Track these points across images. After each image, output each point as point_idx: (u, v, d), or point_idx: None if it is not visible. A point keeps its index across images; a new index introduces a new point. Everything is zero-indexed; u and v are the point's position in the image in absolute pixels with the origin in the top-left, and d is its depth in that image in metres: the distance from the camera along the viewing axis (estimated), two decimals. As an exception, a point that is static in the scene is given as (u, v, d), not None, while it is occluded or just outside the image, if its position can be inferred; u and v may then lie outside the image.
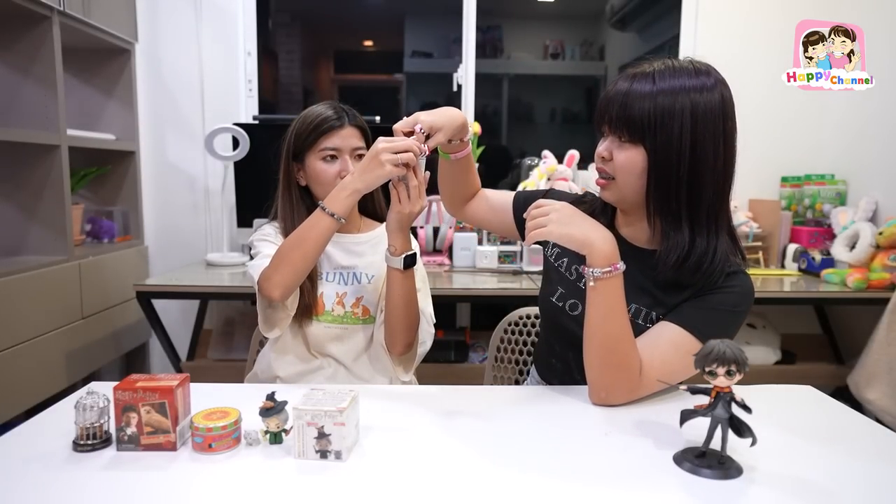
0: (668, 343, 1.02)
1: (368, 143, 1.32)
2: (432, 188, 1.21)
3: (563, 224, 0.99)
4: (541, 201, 1.04)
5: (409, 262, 1.19)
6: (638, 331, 1.05)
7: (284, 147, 1.32)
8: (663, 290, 1.06)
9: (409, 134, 1.08)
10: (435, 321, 1.35)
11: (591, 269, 0.98)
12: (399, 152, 1.06)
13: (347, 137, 1.29)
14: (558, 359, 1.21)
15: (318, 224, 1.15)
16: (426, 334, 1.30)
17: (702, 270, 1.01)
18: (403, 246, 1.18)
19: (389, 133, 1.09)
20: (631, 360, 1.00)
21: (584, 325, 1.03)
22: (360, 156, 1.29)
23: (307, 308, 1.29)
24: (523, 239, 1.26)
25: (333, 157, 1.28)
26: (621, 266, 0.99)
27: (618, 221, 1.14)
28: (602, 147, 1.05)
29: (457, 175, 1.25)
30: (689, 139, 0.96)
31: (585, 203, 1.19)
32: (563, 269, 1.18)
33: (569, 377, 1.18)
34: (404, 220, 1.16)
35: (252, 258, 1.30)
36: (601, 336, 1.00)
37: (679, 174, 0.98)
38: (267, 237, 1.32)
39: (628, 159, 1.00)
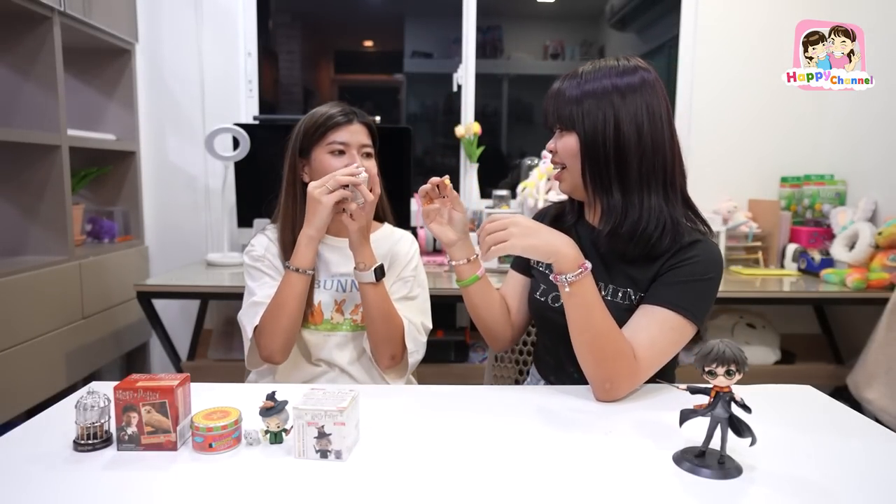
0: (652, 322, 1.05)
1: (376, 142, 1.33)
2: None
3: (525, 236, 1.01)
4: (495, 216, 1.05)
5: (380, 273, 1.22)
6: (619, 309, 1.09)
7: (291, 144, 1.32)
8: (631, 265, 1.11)
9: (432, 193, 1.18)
10: (430, 328, 1.34)
11: (563, 276, 1.01)
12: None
13: (356, 133, 1.28)
14: (550, 353, 1.24)
15: (291, 283, 1.21)
16: (417, 344, 1.29)
17: (636, 237, 1.07)
18: (372, 260, 1.22)
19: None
20: (623, 348, 1.03)
21: (569, 329, 1.05)
22: (367, 153, 1.30)
23: (306, 318, 1.30)
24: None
25: (342, 152, 1.27)
26: (589, 264, 1.02)
27: (586, 213, 1.21)
28: (549, 143, 1.16)
29: (488, 293, 1.23)
30: (613, 123, 1.06)
31: (556, 207, 1.28)
32: (543, 266, 1.22)
33: (562, 371, 1.20)
34: (358, 237, 1.20)
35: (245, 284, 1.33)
36: (589, 335, 1.03)
37: (606, 152, 1.07)
38: (257, 263, 1.32)
39: (566, 143, 1.11)
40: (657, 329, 1.04)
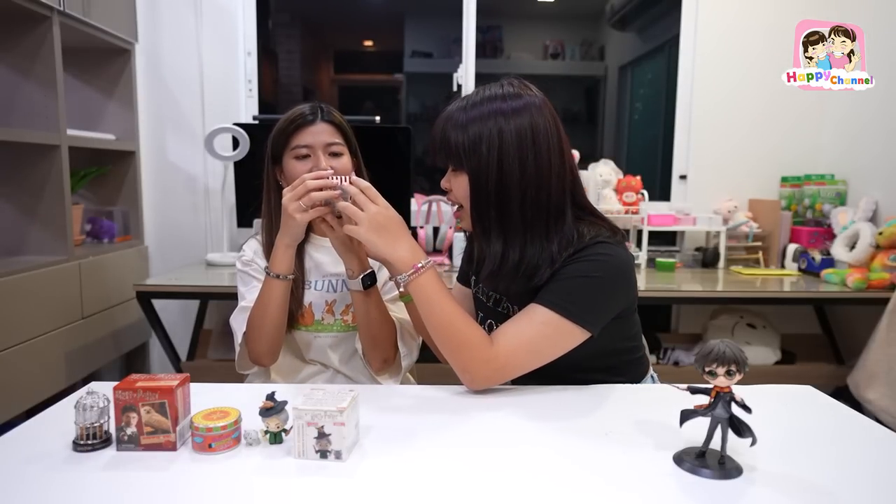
0: (523, 316, 1.04)
1: (348, 139, 1.30)
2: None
3: (372, 230, 1.03)
4: (372, 190, 1.06)
5: (369, 281, 1.20)
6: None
7: (266, 150, 1.31)
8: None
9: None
10: None
11: (397, 277, 1.05)
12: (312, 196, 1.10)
13: (319, 133, 1.25)
14: None
15: (272, 289, 1.19)
16: (410, 346, 1.28)
17: (518, 275, 1.04)
18: (360, 266, 1.19)
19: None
20: (471, 335, 1.03)
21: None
22: (334, 153, 1.26)
23: (297, 320, 1.29)
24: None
25: (306, 156, 1.25)
26: (425, 262, 1.04)
27: None
28: (443, 180, 1.12)
29: None
30: (497, 158, 1.01)
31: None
32: (480, 294, 1.22)
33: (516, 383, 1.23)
34: (341, 245, 1.17)
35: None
36: (435, 326, 1.04)
37: (488, 191, 1.02)
38: (247, 267, 1.32)
39: (460, 185, 1.07)
40: (525, 322, 1.03)
